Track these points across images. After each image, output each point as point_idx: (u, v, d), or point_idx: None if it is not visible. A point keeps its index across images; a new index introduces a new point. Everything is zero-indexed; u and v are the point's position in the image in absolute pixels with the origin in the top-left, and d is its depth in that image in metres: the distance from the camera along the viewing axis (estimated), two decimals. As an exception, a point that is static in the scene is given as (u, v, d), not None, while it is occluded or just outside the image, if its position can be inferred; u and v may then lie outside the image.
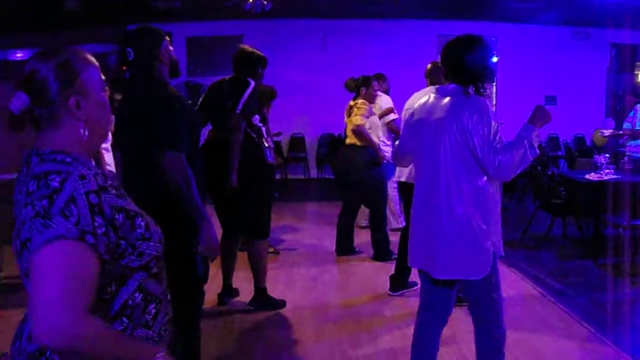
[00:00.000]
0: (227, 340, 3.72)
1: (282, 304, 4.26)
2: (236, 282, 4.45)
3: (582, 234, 5.89)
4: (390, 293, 4.54)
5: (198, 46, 10.84)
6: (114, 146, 4.10)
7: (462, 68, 2.58)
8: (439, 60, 2.88)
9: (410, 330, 2.94)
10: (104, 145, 4.65)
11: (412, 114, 2.79)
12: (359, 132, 5.22)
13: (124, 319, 1.32)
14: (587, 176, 5.61)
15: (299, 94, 10.60)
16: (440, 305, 2.78)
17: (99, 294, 1.25)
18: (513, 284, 4.68)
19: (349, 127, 5.40)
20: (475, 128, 2.45)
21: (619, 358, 3.40)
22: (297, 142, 11.32)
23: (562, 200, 5.88)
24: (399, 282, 4.53)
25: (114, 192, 1.32)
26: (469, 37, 2.63)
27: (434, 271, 2.63)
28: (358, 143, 5.32)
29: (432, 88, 3.42)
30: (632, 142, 6.56)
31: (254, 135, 3.97)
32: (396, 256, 4.63)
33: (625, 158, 6.26)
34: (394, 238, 5.18)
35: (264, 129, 4.09)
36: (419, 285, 2.93)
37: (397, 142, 3.01)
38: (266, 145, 4.07)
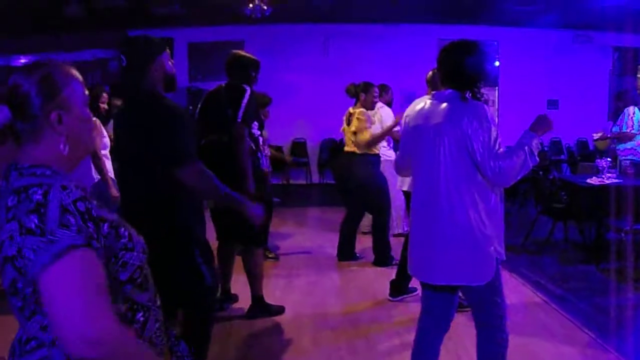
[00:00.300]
0: (225, 346, 3.69)
1: (280, 310, 4.23)
2: (235, 287, 4.44)
3: (584, 238, 5.85)
4: (390, 298, 4.51)
5: (199, 52, 10.85)
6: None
7: (457, 73, 2.56)
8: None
9: (410, 336, 2.92)
10: (104, 152, 4.66)
11: (409, 122, 2.77)
12: (372, 145, 5.26)
13: None
14: (588, 180, 5.58)
15: (300, 98, 10.63)
16: (441, 311, 2.76)
17: None
18: (514, 290, 4.64)
19: (348, 136, 5.39)
20: (475, 134, 2.43)
21: (621, 365, 3.36)
22: (298, 147, 11.31)
23: (564, 204, 5.85)
24: (399, 288, 4.50)
25: (95, 202, 1.30)
26: (463, 42, 2.61)
27: (434, 277, 2.60)
28: (357, 151, 5.30)
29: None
30: (621, 146, 6.59)
31: (252, 144, 3.97)
32: (397, 262, 4.60)
33: (628, 162, 6.25)
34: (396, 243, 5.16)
35: (261, 139, 4.10)
36: (419, 291, 2.91)
37: (398, 153, 2.99)
38: (262, 153, 4.09)
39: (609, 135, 6.83)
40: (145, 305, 1.38)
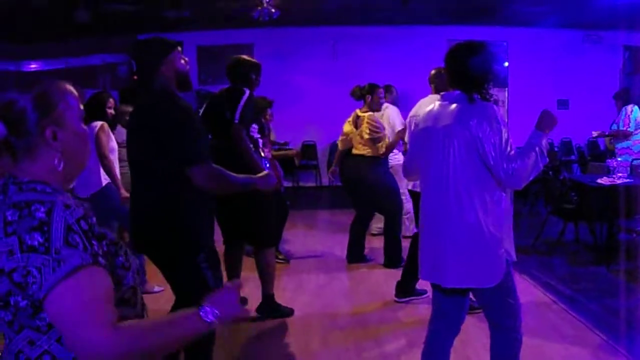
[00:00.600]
0: (233, 348, 3.71)
1: (289, 311, 4.24)
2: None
3: (595, 239, 5.82)
4: (397, 299, 4.50)
5: (209, 55, 10.90)
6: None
7: (463, 74, 2.57)
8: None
9: (419, 337, 2.92)
10: (112, 157, 4.68)
11: (418, 124, 2.77)
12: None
13: None
14: (599, 180, 5.55)
15: (309, 101, 10.63)
16: (452, 313, 2.75)
17: None
18: (525, 291, 4.58)
19: (356, 139, 5.39)
20: (486, 136, 2.42)
21: (632, 366, 3.34)
22: (308, 150, 11.31)
23: (574, 205, 5.82)
24: (405, 289, 4.48)
25: (94, 219, 1.30)
26: (469, 43, 2.62)
27: (444, 280, 2.59)
28: (366, 153, 5.31)
29: (437, 96, 3.40)
30: (619, 145, 6.57)
31: (251, 146, 3.99)
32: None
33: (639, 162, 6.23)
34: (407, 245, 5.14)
35: (261, 141, 4.12)
36: (428, 294, 2.90)
37: (405, 156, 2.98)
38: (262, 155, 4.11)
39: (607, 134, 6.85)
40: (131, 319, 1.38)
